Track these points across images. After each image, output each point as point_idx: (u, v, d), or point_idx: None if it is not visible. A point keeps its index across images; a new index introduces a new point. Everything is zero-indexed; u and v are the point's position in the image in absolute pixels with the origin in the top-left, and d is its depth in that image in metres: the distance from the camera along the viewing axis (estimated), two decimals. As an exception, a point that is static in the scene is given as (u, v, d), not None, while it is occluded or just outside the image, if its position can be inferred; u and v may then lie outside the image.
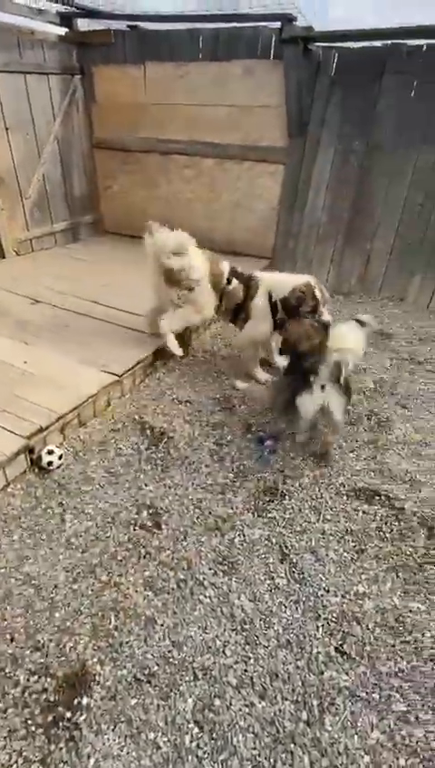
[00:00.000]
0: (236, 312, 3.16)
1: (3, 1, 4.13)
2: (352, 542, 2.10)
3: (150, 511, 2.23)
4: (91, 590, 1.86)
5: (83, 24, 4.96)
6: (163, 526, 2.15)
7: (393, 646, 1.71)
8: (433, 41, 3.68)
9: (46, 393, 2.68)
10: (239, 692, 1.58)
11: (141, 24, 4.77)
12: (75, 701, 1.54)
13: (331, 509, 2.26)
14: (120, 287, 4.15)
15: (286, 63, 4.09)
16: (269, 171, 4.63)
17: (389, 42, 3.82)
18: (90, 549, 2.03)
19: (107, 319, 3.61)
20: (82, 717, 1.50)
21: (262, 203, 4.81)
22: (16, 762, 1.39)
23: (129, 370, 3.03)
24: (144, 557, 2.01)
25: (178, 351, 3.14)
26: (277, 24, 4.06)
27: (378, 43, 3.91)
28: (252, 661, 1.67)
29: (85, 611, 1.79)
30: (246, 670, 1.64)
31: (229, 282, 3.08)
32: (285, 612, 1.82)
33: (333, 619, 1.80)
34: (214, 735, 1.47)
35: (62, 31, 4.83)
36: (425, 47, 3.73)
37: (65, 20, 4.80)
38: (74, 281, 4.27)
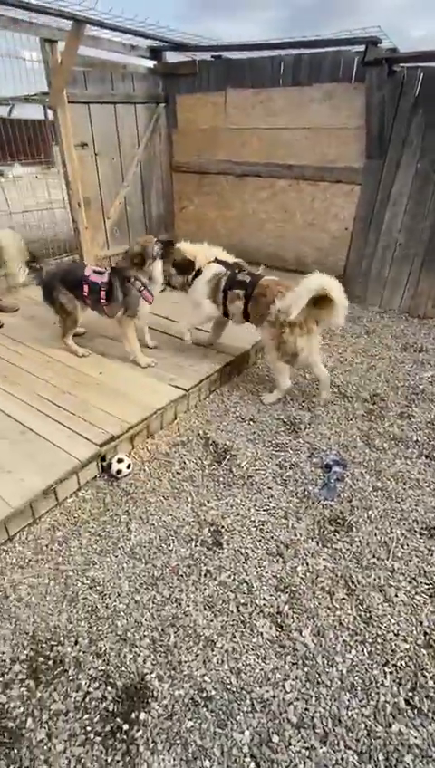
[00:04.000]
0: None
1: (100, 40, 4.50)
2: (426, 584, 1.95)
3: (212, 528, 2.22)
4: (153, 603, 1.88)
5: (171, 56, 5.26)
6: (225, 546, 2.13)
7: (472, 707, 1.55)
8: None
9: (118, 404, 2.79)
10: (299, 732, 1.50)
11: (225, 54, 4.97)
12: (133, 714, 1.54)
13: (402, 546, 2.12)
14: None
15: (369, 85, 4.05)
16: (344, 192, 4.58)
17: None
18: (152, 561, 2.06)
19: (177, 334, 3.71)
20: (139, 733, 1.50)
21: (336, 223, 4.76)
22: (75, 768, 1.41)
23: (195, 385, 3.08)
24: (205, 575, 2.00)
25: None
26: (361, 48, 4.06)
27: (468, 62, 3.77)
28: (313, 700, 1.58)
29: (146, 624, 1.80)
30: (306, 709, 1.56)
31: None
32: (350, 652, 1.72)
33: (403, 667, 1.67)
34: (271, 775, 1.40)
35: (151, 63, 5.15)
36: None
37: (154, 53, 5.12)
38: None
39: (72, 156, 4.36)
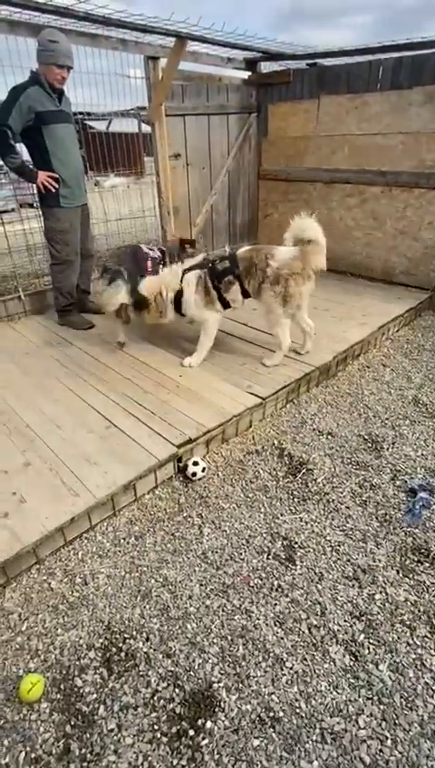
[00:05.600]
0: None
1: (199, 54, 4.65)
2: None
3: (284, 543, 2.17)
4: (223, 611, 1.86)
5: (265, 66, 5.31)
6: (298, 562, 2.07)
7: None
8: None
9: (196, 407, 2.83)
10: (373, 775, 1.40)
11: (320, 61, 4.91)
12: (199, 721, 1.53)
13: None
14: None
15: None
16: (442, 198, 4.30)
17: None
18: (223, 567, 2.05)
19: (256, 342, 3.70)
20: (205, 741, 1.48)
21: (430, 231, 4.48)
22: (142, 765, 1.43)
23: (272, 394, 3.04)
24: (276, 590, 1.95)
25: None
26: (472, 45, 3.80)
27: None
28: (389, 742, 1.47)
29: (215, 631, 1.80)
30: (381, 750, 1.45)
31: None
32: (433, 697, 1.58)
33: None
34: None
35: (246, 75, 5.23)
36: None
37: (250, 64, 5.19)
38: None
39: (166, 167, 4.55)
